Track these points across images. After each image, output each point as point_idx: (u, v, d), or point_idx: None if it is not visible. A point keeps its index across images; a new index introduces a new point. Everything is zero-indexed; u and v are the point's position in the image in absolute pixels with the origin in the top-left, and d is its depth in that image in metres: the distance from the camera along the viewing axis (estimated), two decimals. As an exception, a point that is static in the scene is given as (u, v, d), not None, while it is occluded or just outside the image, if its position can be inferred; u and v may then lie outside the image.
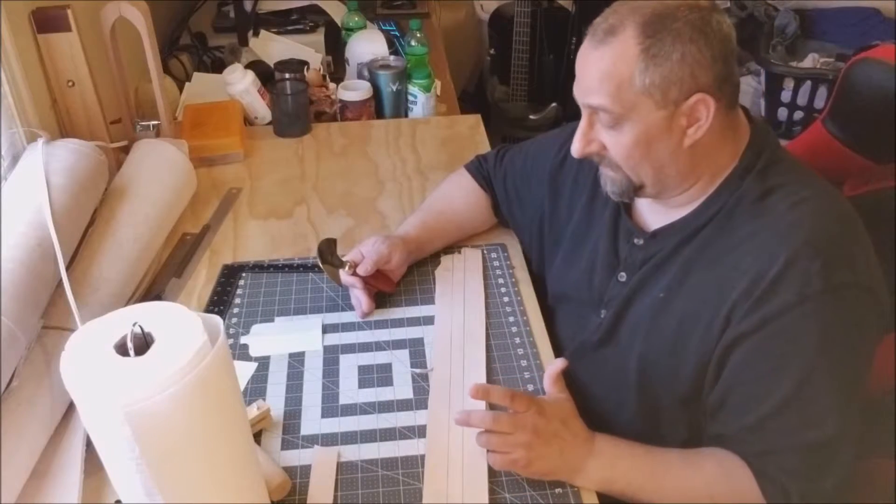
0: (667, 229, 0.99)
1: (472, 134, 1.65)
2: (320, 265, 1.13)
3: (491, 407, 0.94)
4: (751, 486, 0.87)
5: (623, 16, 0.88)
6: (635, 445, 0.92)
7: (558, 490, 0.88)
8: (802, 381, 0.85)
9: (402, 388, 1.01)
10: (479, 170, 1.29)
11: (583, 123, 0.94)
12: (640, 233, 1.02)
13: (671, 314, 0.95)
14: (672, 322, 0.95)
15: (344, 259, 1.13)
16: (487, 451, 0.89)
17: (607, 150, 0.94)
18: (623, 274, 1.02)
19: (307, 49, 1.96)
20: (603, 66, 0.88)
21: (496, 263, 1.23)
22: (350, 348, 1.08)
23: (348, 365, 1.05)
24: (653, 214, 1.02)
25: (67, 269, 1.01)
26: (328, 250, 1.13)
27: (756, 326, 0.87)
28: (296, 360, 1.06)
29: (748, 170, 0.94)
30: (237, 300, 1.17)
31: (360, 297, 1.12)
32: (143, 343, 0.63)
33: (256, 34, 2.00)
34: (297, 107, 1.61)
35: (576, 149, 0.95)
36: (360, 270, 1.11)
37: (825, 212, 0.90)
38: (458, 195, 1.28)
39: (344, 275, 1.12)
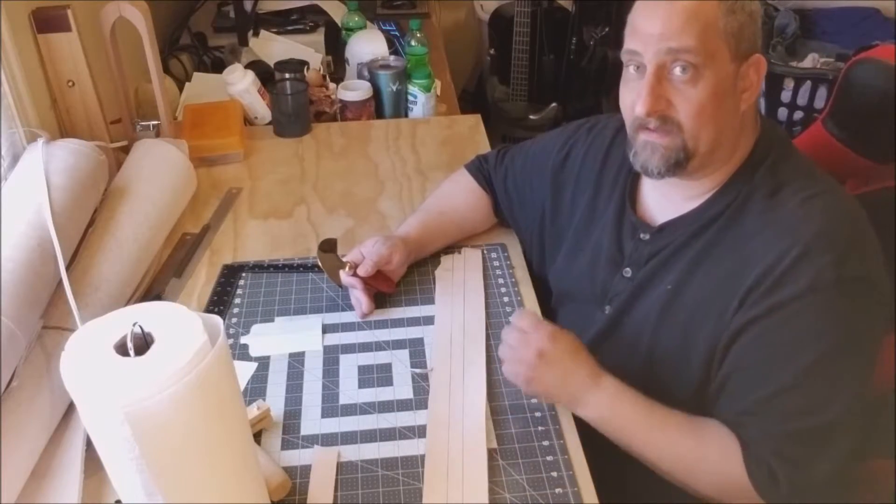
0: (675, 223, 0.99)
1: (472, 134, 1.65)
2: (320, 265, 1.13)
3: None
4: (737, 463, 0.87)
5: None
6: (640, 395, 0.93)
7: (558, 490, 0.87)
8: (806, 368, 0.86)
9: (402, 388, 1.01)
10: (480, 169, 1.29)
11: (650, 79, 0.90)
12: (646, 227, 1.02)
13: (680, 308, 0.96)
14: (681, 315, 0.96)
15: (344, 259, 1.13)
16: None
17: (673, 110, 0.90)
18: (628, 269, 1.03)
19: (307, 49, 1.96)
20: (689, 7, 0.88)
21: (496, 263, 1.23)
22: (350, 348, 1.08)
23: (348, 365, 1.05)
24: (660, 208, 1.02)
25: (67, 269, 1.01)
26: (329, 250, 1.13)
27: (764, 313, 0.88)
28: (296, 360, 1.05)
29: (759, 164, 0.95)
30: (237, 300, 1.16)
31: (360, 298, 1.12)
32: (143, 343, 0.63)
33: (256, 34, 2.00)
34: (297, 107, 1.61)
35: (646, 104, 0.90)
36: (361, 271, 1.11)
37: (836, 208, 0.91)
38: (459, 195, 1.28)
39: (344, 275, 1.13)
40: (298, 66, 1.73)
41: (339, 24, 2.03)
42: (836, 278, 0.85)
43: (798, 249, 0.87)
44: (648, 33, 0.89)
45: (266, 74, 1.74)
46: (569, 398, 0.93)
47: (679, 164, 0.92)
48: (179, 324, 0.65)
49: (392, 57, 1.77)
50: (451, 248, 1.26)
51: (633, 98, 0.93)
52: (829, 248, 0.86)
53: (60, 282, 1.00)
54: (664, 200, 1.01)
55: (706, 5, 0.88)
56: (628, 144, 0.97)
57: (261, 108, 1.68)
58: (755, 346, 0.89)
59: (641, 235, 1.02)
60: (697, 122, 0.90)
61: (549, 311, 1.18)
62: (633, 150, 0.96)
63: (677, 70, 0.89)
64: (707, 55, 0.88)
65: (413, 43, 1.82)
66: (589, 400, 0.92)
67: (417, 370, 1.04)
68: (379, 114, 1.73)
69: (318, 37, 2.03)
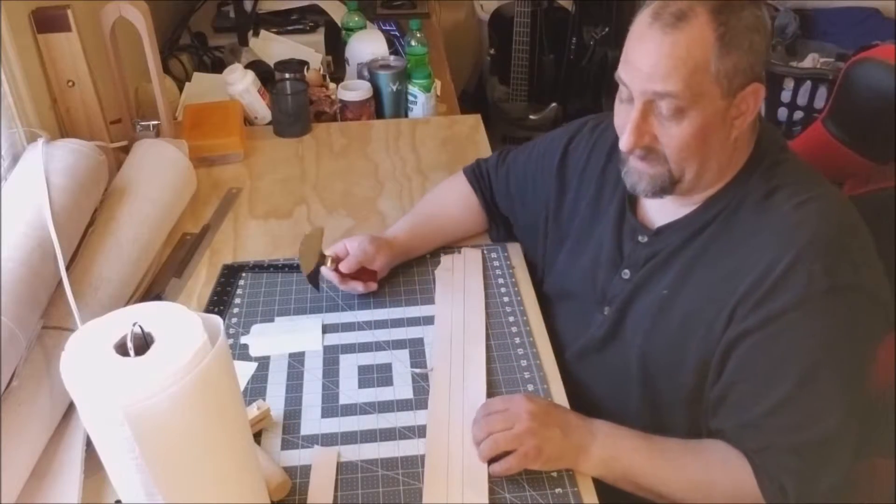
0: (671, 226, 0.99)
1: (472, 134, 1.65)
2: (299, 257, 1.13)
3: None
4: (749, 477, 0.87)
5: (691, 1, 0.86)
6: (632, 429, 0.93)
7: (558, 490, 0.87)
8: (803, 380, 0.86)
9: (402, 388, 1.01)
10: (476, 174, 1.28)
11: (636, 115, 0.90)
12: (644, 230, 1.02)
13: (674, 311, 0.96)
14: (675, 319, 0.96)
15: (326, 253, 1.13)
16: (492, 462, 0.89)
17: (658, 143, 0.91)
18: (626, 271, 1.03)
19: (307, 49, 1.96)
20: (678, 52, 0.85)
21: (496, 263, 1.23)
22: (350, 348, 1.08)
23: (348, 365, 1.05)
24: (658, 212, 1.02)
25: (67, 269, 1.01)
26: (314, 243, 1.13)
27: (759, 324, 0.87)
28: (296, 360, 1.05)
29: (754, 168, 0.94)
30: (237, 300, 1.16)
31: (351, 285, 1.13)
32: (143, 343, 0.63)
33: (256, 34, 2.00)
34: (297, 107, 1.61)
35: (629, 142, 0.91)
36: (343, 267, 1.11)
37: (829, 212, 0.90)
38: (452, 199, 1.28)
39: (325, 270, 1.13)
40: (298, 66, 1.74)
41: (339, 24, 2.03)
42: (828, 287, 0.85)
43: (789, 258, 0.86)
44: (637, 68, 0.89)
45: (266, 74, 1.74)
46: (576, 449, 0.89)
47: (665, 189, 0.94)
48: (179, 324, 0.65)
49: (392, 57, 1.77)
50: (451, 248, 1.26)
51: (623, 120, 0.93)
52: (820, 256, 0.86)
53: (60, 282, 1.00)
54: (662, 204, 1.01)
55: (698, 47, 0.85)
56: (620, 160, 0.98)
57: (261, 108, 1.68)
58: (752, 359, 0.89)
59: (640, 238, 1.02)
60: (681, 155, 0.91)
61: (547, 308, 1.17)
62: (624, 169, 0.97)
63: (662, 108, 0.88)
64: (693, 98, 0.86)
65: (413, 43, 1.82)
66: (593, 443, 0.90)
67: (417, 370, 1.04)
68: (379, 114, 1.73)
69: (318, 37, 2.03)
